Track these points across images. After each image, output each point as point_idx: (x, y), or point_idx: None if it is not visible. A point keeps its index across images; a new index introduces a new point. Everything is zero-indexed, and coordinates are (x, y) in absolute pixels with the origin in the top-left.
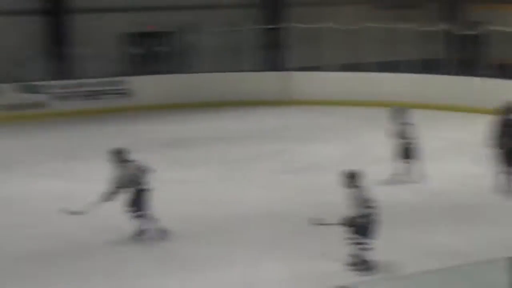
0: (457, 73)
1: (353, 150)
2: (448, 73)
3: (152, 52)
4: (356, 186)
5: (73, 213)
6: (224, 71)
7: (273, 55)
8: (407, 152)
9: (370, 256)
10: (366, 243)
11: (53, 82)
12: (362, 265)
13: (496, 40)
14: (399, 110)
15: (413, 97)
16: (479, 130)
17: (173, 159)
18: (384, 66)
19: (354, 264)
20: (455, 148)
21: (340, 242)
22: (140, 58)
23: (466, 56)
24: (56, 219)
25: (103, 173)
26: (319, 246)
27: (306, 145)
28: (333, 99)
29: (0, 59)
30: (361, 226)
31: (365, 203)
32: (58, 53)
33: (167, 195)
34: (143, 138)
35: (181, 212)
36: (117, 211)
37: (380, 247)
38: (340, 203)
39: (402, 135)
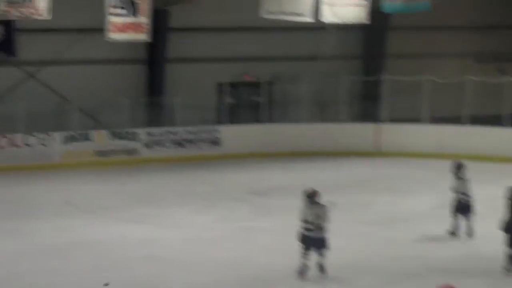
0: None
1: (442, 202)
2: None
3: (247, 102)
4: None
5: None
6: (320, 122)
7: (368, 106)
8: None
9: None
10: None
11: (147, 129)
12: None
13: None
14: (459, 164)
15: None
16: None
17: (261, 207)
18: (482, 119)
19: None
20: None
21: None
22: (235, 107)
23: None
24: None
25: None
26: None
27: (395, 196)
28: (426, 151)
29: (97, 106)
30: None
31: None
32: (154, 101)
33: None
34: (229, 186)
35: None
36: None
37: None
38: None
39: (458, 189)
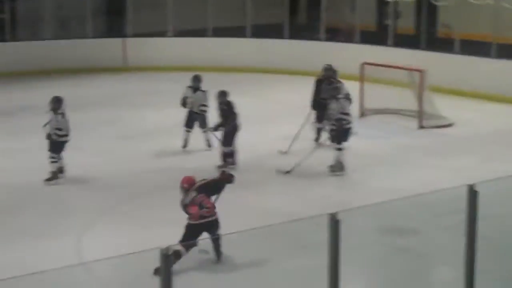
0: (296, 37)
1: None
2: (289, 37)
3: None
4: None
5: None
6: (65, 38)
7: (114, 20)
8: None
9: None
10: None
11: None
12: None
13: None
14: (196, 77)
15: (253, 62)
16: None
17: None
18: (229, 31)
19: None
20: (292, 110)
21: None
22: None
23: (304, 21)
24: None
25: None
26: (155, 212)
27: (142, 111)
28: (173, 65)
29: None
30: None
31: None
32: None
33: None
34: None
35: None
36: None
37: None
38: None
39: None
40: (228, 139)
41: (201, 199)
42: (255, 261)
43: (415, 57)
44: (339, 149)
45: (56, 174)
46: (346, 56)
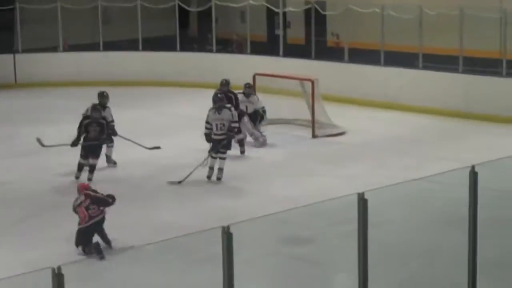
0: (188, 49)
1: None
2: (180, 50)
3: None
4: None
5: None
6: None
7: (3, 36)
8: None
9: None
10: None
11: None
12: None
13: (224, 15)
14: (100, 93)
15: (144, 75)
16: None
17: None
18: (121, 45)
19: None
20: (185, 123)
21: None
22: None
23: (197, 32)
24: None
25: None
26: (49, 230)
27: (37, 127)
28: (64, 80)
29: None
30: None
31: None
32: None
33: None
34: None
35: None
36: None
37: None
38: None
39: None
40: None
41: (87, 203)
42: (150, 277)
43: (306, 66)
44: (224, 158)
45: None
46: (238, 67)
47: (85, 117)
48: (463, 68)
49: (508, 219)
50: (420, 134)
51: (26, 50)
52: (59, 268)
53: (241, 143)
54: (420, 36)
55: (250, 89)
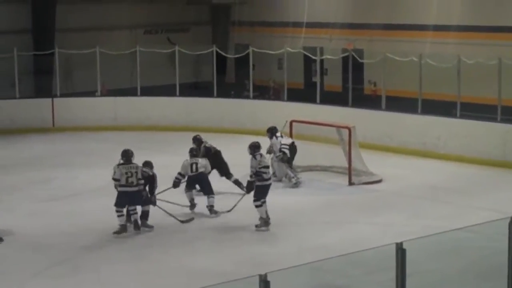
0: (225, 96)
1: None
2: (217, 96)
3: None
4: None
5: None
6: None
7: (42, 81)
8: None
9: None
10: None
11: None
12: None
13: (261, 62)
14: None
15: (185, 121)
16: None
17: None
18: (159, 90)
19: None
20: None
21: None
22: None
23: (235, 78)
24: None
25: None
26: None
27: (72, 171)
28: (102, 124)
29: None
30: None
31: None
32: None
33: None
34: None
35: None
36: None
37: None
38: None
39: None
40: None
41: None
42: None
43: (343, 114)
44: (260, 205)
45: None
46: (275, 114)
47: None
48: (501, 117)
49: None
50: (457, 183)
51: (64, 95)
52: None
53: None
54: (458, 84)
55: (268, 133)
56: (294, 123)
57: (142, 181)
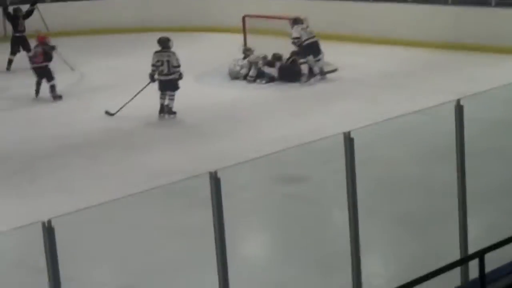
0: None
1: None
2: None
3: None
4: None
5: None
6: None
7: None
8: None
9: None
10: None
11: None
12: None
13: None
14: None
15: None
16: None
17: None
18: None
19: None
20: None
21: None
22: None
23: None
24: None
25: None
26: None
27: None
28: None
29: None
30: None
31: None
32: None
33: None
34: None
35: None
36: None
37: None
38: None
39: None
40: None
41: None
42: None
43: (294, 5)
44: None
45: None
46: (228, 8)
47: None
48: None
49: (498, 149)
50: (411, 67)
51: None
52: (49, 221)
53: None
54: None
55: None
56: (247, 18)
57: (178, 69)
